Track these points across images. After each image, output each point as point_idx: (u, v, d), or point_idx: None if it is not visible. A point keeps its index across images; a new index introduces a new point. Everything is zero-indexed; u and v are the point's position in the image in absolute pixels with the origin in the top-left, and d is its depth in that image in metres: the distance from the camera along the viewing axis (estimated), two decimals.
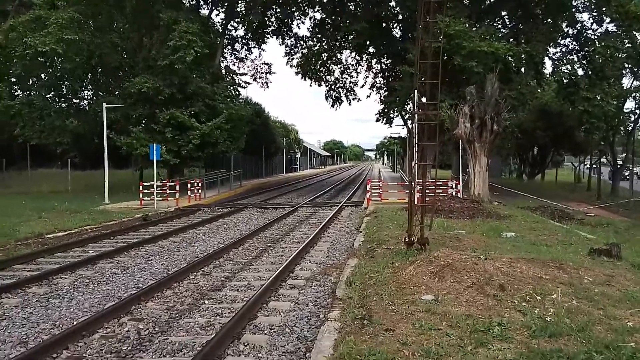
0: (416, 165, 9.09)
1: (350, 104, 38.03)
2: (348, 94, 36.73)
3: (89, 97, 30.40)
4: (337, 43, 32.82)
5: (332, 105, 36.72)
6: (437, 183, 19.05)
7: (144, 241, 11.67)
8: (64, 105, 28.61)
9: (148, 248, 11.06)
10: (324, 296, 7.02)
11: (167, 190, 20.44)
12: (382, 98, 32.60)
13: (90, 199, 20.74)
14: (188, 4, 29.13)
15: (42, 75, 28.12)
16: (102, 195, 20.78)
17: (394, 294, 6.18)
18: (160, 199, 19.96)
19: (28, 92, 27.94)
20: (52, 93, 28.15)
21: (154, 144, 20.30)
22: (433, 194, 15.23)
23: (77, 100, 29.95)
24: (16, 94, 27.81)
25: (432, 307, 5.53)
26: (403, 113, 29.34)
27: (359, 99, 42.43)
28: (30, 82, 28.11)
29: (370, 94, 38.58)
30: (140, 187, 20.07)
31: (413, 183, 8.92)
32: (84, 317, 6.23)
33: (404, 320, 5.20)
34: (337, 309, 5.89)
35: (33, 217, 15.04)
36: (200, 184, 22.53)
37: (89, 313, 6.42)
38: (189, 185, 21.65)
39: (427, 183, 10.03)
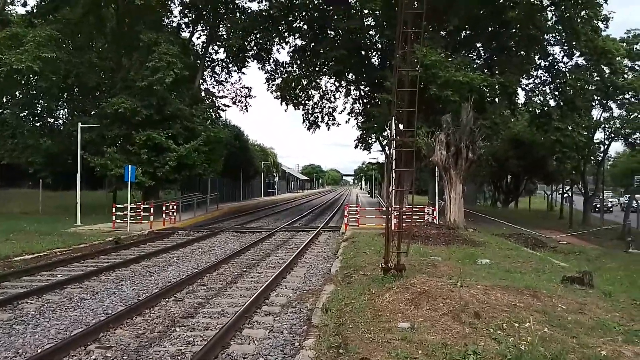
0: (393, 191, 9.15)
1: (329, 128, 38.39)
2: (327, 118, 37.17)
3: (64, 117, 30.01)
4: (317, 69, 33.25)
5: (309, 129, 37.19)
6: (414, 209, 19.16)
7: (115, 265, 11.36)
8: (38, 124, 28.13)
9: (119, 272, 10.77)
10: (299, 323, 6.91)
11: (141, 212, 20.07)
12: (359, 124, 33.03)
13: (61, 221, 20.20)
14: (169, 26, 29.23)
15: (17, 93, 27.64)
16: (74, 217, 20.24)
17: (370, 321, 6.11)
18: (134, 221, 19.58)
19: (1, 110, 27.39)
20: (26, 112, 27.67)
21: (129, 165, 20.01)
22: (410, 220, 15.30)
23: (52, 120, 29.54)
24: None
25: (408, 335, 5.48)
26: (381, 139, 29.73)
27: (338, 124, 42.96)
28: (4, 100, 27.59)
29: (349, 119, 39.07)
30: (114, 209, 19.67)
31: (390, 209, 8.96)
32: (49, 344, 5.98)
33: (380, 349, 5.13)
34: (312, 337, 5.80)
35: (0, 239, 14.54)
36: (175, 207, 22.19)
37: (54, 340, 6.16)
38: (164, 208, 21.30)
39: (404, 209, 10.08)
